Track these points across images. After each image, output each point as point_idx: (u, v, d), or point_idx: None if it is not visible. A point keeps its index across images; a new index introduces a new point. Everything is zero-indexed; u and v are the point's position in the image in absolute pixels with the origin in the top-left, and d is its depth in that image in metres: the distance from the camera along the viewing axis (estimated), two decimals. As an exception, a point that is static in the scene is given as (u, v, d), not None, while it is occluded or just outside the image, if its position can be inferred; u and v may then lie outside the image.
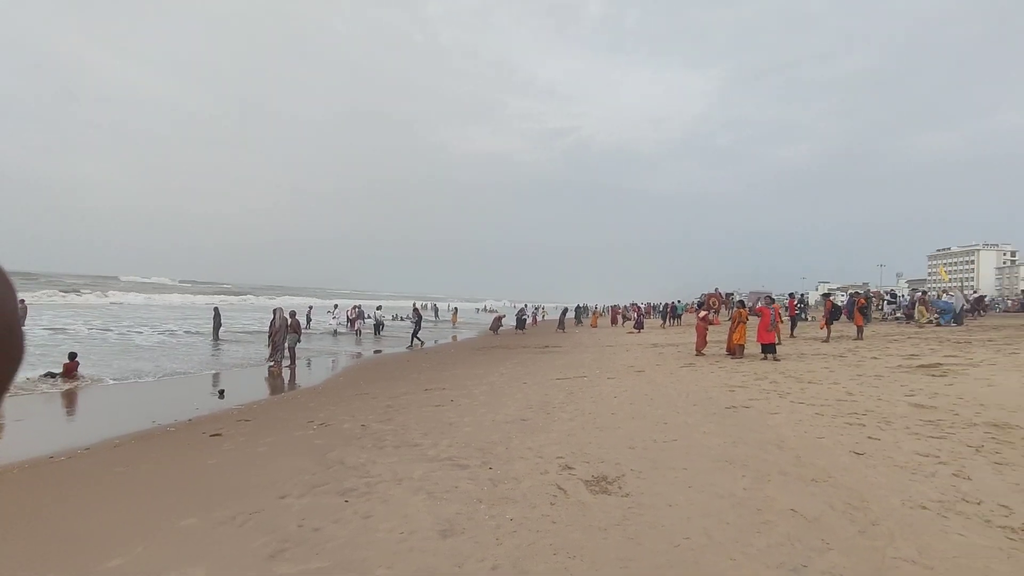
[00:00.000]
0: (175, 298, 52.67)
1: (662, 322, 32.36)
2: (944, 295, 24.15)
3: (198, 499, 4.40)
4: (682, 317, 34.67)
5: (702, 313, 15.02)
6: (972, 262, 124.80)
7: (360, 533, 3.62)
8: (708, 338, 15.24)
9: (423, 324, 25.94)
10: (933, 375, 9.26)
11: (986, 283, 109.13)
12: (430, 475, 4.83)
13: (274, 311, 14.50)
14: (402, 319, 39.84)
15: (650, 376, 10.92)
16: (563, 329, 30.22)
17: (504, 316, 33.73)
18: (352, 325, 26.55)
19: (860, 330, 18.39)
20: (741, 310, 13.78)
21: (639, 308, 29.93)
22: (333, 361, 16.17)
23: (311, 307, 30.49)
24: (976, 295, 30.36)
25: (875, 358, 12.10)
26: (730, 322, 14.46)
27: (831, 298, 19.03)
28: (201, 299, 51.10)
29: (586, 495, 4.19)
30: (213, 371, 13.38)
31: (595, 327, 34.13)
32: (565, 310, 33.47)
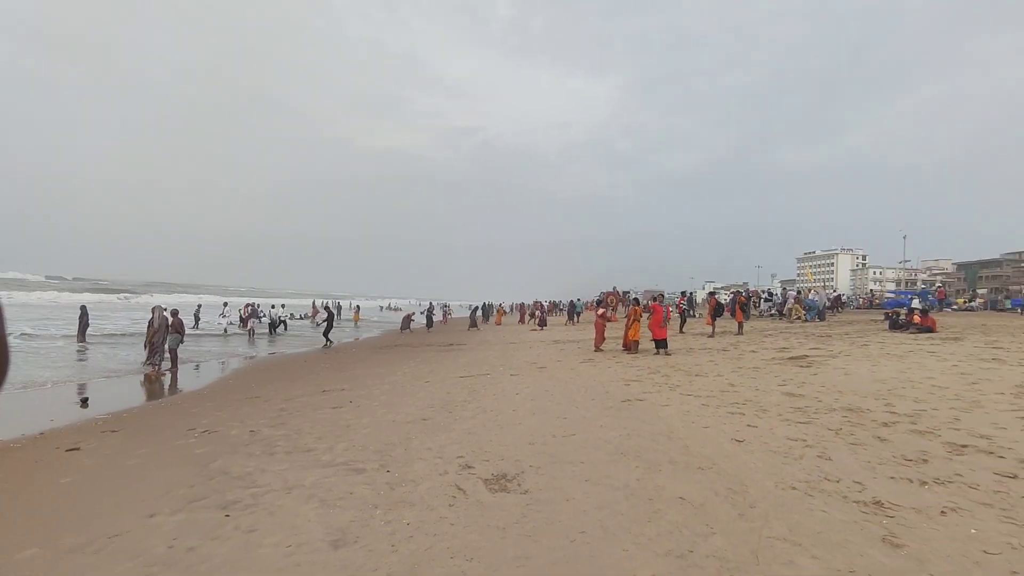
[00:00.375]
0: (36, 296, 46.58)
1: (568, 320, 33.27)
2: (811, 294, 26.94)
3: (44, 525, 3.86)
4: (581, 314, 35.95)
5: (600, 311, 15.61)
6: (832, 264, 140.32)
7: (241, 550, 3.34)
8: (606, 334, 15.87)
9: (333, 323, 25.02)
10: (801, 366, 10.23)
11: (843, 283, 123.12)
12: (323, 481, 4.58)
13: (153, 310, 13.16)
14: (301, 317, 37.99)
15: (551, 372, 11.15)
16: (477, 327, 30.32)
17: (414, 314, 33.22)
18: (245, 324, 24.83)
19: (740, 326, 19.99)
20: (636, 308, 14.47)
21: (542, 306, 30.58)
22: (223, 363, 15.00)
23: (200, 306, 28.17)
24: (835, 294, 34.10)
25: (753, 351, 13.18)
26: (626, 319, 15.12)
27: (715, 296, 20.47)
28: (68, 297, 45.56)
29: (485, 494, 4.16)
30: (77, 378, 11.91)
31: (499, 324, 34.47)
32: (476, 308, 33.49)
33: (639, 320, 14.34)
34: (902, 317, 17.94)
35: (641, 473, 4.48)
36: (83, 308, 19.70)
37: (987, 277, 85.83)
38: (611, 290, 37.17)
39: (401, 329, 29.45)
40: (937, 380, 8.00)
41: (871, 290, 70.66)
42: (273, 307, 28.77)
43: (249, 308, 26.01)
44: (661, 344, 13.64)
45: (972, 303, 34.86)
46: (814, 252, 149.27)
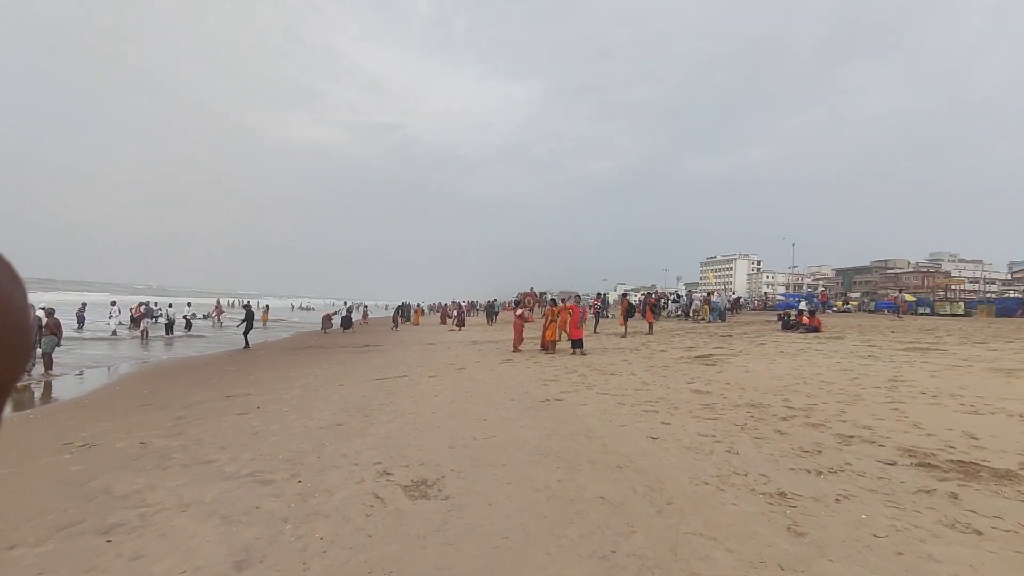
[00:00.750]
0: None
1: (486, 320, 33.24)
2: (713, 296, 28.80)
3: None
4: (498, 315, 36.20)
5: (519, 311, 15.73)
6: (731, 269, 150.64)
7: (126, 579, 2.98)
8: (524, 335, 16.02)
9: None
10: (707, 365, 10.83)
11: (740, 286, 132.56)
12: (226, 496, 4.22)
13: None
14: (203, 317, 35.37)
15: (470, 373, 11.07)
16: (396, 326, 29.86)
17: (333, 314, 32.08)
18: (137, 325, 22.65)
19: (651, 326, 20.93)
20: (553, 308, 14.71)
21: (460, 306, 30.42)
22: (110, 369, 13.59)
23: (84, 304, 25.33)
24: (734, 296, 36.64)
25: (663, 351, 13.81)
26: (544, 320, 15.34)
27: (627, 297, 21.30)
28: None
29: (404, 502, 4.01)
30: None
31: (417, 325, 33.91)
32: (400, 307, 32.74)
33: (556, 321, 14.58)
34: (792, 318, 19.50)
35: (562, 474, 4.50)
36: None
37: (859, 282, 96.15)
38: (528, 291, 37.68)
39: (322, 329, 28.37)
40: (825, 376, 8.74)
41: (765, 293, 76.28)
42: (171, 306, 26.51)
43: (142, 307, 23.79)
44: (577, 344, 13.95)
45: (848, 306, 38.73)
46: (715, 257, 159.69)
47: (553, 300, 15.48)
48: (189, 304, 29.44)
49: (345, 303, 39.14)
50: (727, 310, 26.92)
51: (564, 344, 14.79)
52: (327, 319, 29.72)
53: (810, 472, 4.25)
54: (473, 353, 15.39)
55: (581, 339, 14.02)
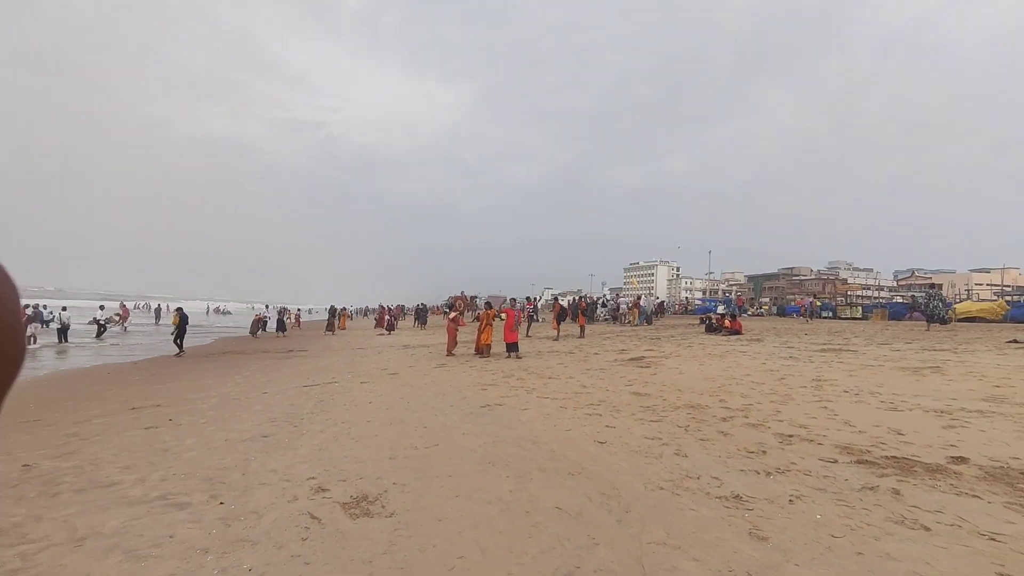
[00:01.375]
0: None
1: (415, 323, 32.45)
2: (639, 300, 29.70)
3: None
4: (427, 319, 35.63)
5: (452, 315, 15.39)
6: (653, 274, 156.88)
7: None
8: (458, 339, 15.71)
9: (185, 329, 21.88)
10: (641, 367, 10.99)
11: (661, 291, 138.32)
12: (131, 525, 3.67)
13: None
14: (101, 322, 32.28)
15: (404, 379, 10.64)
16: (332, 331, 28.74)
17: (267, 318, 30.69)
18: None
19: (583, 329, 21.20)
20: (489, 311, 14.51)
21: (389, 309, 29.58)
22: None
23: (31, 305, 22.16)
24: (658, 301, 38.01)
25: (596, 354, 13.94)
26: (478, 323, 15.11)
27: (559, 301, 21.47)
28: None
29: (345, 521, 3.65)
30: None
31: (344, 329, 32.65)
32: (333, 310, 31.41)
33: (491, 324, 14.39)
34: (715, 322, 20.37)
35: (513, 483, 4.28)
36: None
37: (768, 288, 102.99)
38: (460, 295, 37.30)
39: (251, 332, 27.03)
40: (754, 377, 9.06)
41: (685, 297, 79.79)
42: (64, 309, 23.79)
43: (28, 309, 21.21)
44: (512, 348, 13.82)
45: (761, 310, 41.22)
46: (638, 263, 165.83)
47: (488, 303, 15.25)
48: (102, 307, 26.74)
49: (267, 307, 36.97)
50: (653, 314, 27.77)
51: (498, 348, 14.63)
52: (258, 322, 28.39)
53: (759, 473, 4.27)
54: (405, 358, 14.89)
55: (516, 343, 13.90)
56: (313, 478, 4.56)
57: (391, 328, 27.07)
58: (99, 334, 23.73)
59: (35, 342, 18.74)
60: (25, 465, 5.21)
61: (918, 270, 73.03)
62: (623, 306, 28.51)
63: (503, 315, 14.64)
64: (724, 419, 6.15)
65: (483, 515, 3.68)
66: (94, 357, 16.81)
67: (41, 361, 15.41)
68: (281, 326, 28.54)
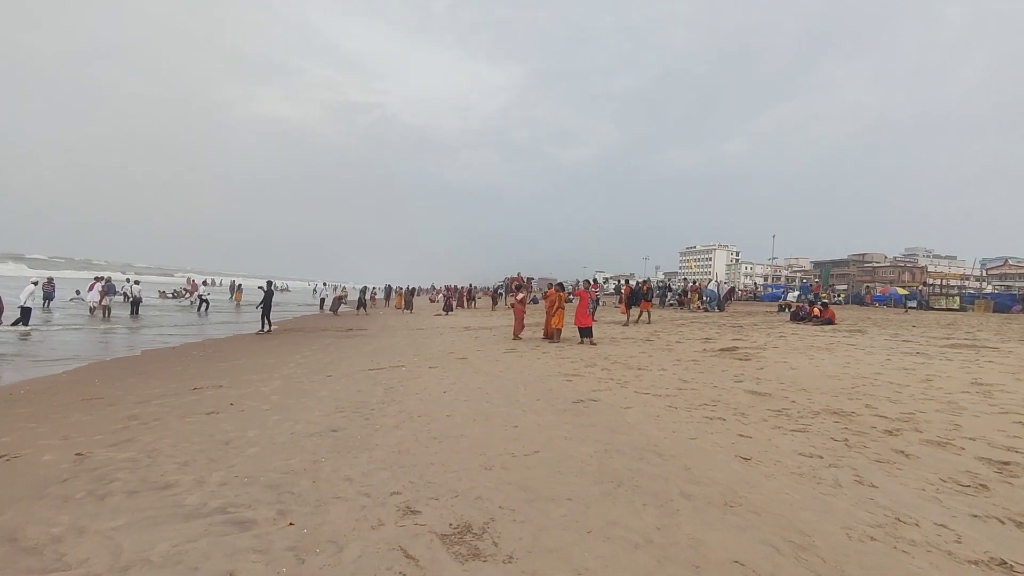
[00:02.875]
0: None
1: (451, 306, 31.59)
2: (709, 284, 27.84)
3: None
4: (477, 301, 35.16)
5: (519, 296, 14.44)
6: (710, 259, 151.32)
7: None
8: (525, 321, 14.79)
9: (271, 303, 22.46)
10: (738, 359, 9.74)
11: (720, 276, 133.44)
12: (185, 551, 2.92)
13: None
14: (172, 295, 33.35)
15: (476, 364, 9.81)
16: (410, 308, 29.05)
17: (346, 295, 31.04)
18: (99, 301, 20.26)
19: (648, 314, 19.91)
20: (560, 294, 13.49)
21: (450, 289, 28.95)
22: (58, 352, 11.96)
23: (51, 279, 22.62)
24: (729, 286, 35.86)
25: (679, 342, 12.72)
26: (547, 306, 14.13)
27: (629, 284, 20.19)
28: None
29: (450, 564, 2.76)
30: None
31: (400, 308, 32.39)
32: (389, 289, 31.38)
33: (563, 307, 13.38)
34: (806, 310, 18.62)
35: (656, 516, 3.30)
36: None
37: (837, 275, 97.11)
38: (516, 276, 36.37)
39: (331, 310, 27.39)
40: (887, 376, 7.71)
41: (755, 283, 75.99)
42: (137, 283, 24.11)
43: (101, 283, 21.41)
44: (586, 333, 12.79)
45: (839, 299, 38.31)
46: (695, 247, 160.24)
47: (560, 284, 14.23)
48: (207, 283, 28.21)
49: (325, 284, 36.88)
50: (725, 300, 25.97)
51: (567, 333, 13.65)
52: (339, 300, 28.66)
53: (1005, 523, 3.11)
54: (469, 340, 14.12)
55: (590, 327, 12.85)
56: (397, 493, 3.71)
57: (449, 309, 26.49)
58: (202, 308, 24.10)
59: (109, 315, 19.06)
60: (78, 454, 4.63)
61: (1012, 258, 66.73)
62: (712, 291, 26.67)
63: (573, 297, 13.59)
64: (889, 432, 4.94)
65: (635, 566, 2.71)
66: (161, 333, 16.89)
67: (113, 336, 15.52)
68: (362, 303, 28.57)
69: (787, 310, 23.64)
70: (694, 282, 37.60)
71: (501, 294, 33.50)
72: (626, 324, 18.37)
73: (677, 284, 32.20)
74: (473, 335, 15.58)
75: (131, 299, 21.75)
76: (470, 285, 37.91)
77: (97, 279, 21.21)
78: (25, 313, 14.25)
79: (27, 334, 13.50)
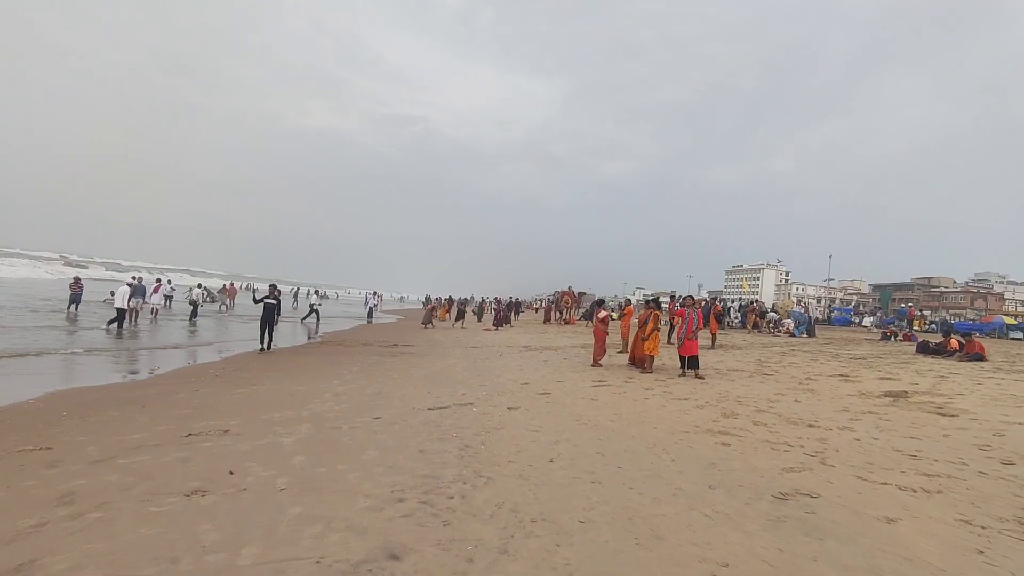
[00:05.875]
0: None
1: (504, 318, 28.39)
2: (795, 306, 24.54)
3: None
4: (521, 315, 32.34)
5: (602, 315, 11.86)
6: (758, 278, 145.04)
7: None
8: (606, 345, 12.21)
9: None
10: (931, 411, 7.00)
11: (767, 297, 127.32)
12: None
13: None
14: (206, 298, 31.98)
15: (567, 404, 7.34)
16: (498, 324, 25.71)
17: (434, 308, 27.34)
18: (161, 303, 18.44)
19: (714, 337, 17.17)
20: (655, 312, 10.90)
21: (500, 302, 26.48)
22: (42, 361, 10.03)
23: (76, 279, 20.87)
24: (805, 310, 32.43)
25: (809, 379, 9.96)
26: (639, 326, 11.57)
27: (718, 302, 17.41)
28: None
29: None
30: None
31: (444, 319, 30.16)
32: (463, 300, 28.05)
33: (659, 329, 10.77)
34: (939, 343, 15.43)
35: None
36: None
37: (899, 299, 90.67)
38: (567, 290, 33.72)
39: (424, 324, 24.11)
40: None
41: (830, 305, 70.91)
42: (200, 285, 22.71)
43: (123, 286, 19.67)
44: (691, 363, 10.17)
45: (930, 326, 34.20)
46: (742, 265, 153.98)
47: (656, 300, 11.64)
48: (200, 285, 25.85)
49: (375, 293, 34.62)
50: (814, 324, 22.66)
51: (665, 360, 11.05)
52: (431, 312, 25.24)
53: None
54: (537, 365, 11.64)
55: (697, 356, 10.23)
56: None
57: (500, 324, 24.06)
58: (310, 316, 22.59)
59: (135, 320, 17.27)
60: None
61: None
62: (772, 314, 23.58)
63: (666, 319, 10.98)
64: None
65: None
66: (196, 341, 15.01)
67: (134, 342, 13.65)
68: (461, 314, 25.85)
69: (893, 339, 20.38)
70: (751, 302, 34.32)
71: (563, 310, 30.78)
72: (712, 347, 15.66)
73: (732, 304, 28.91)
74: (538, 358, 13.09)
75: (192, 302, 20.22)
76: (512, 298, 35.43)
77: (159, 281, 20.50)
78: (121, 314, 15.31)
79: (120, 335, 14.12)
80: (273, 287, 13.44)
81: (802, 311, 22.43)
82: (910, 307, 34.37)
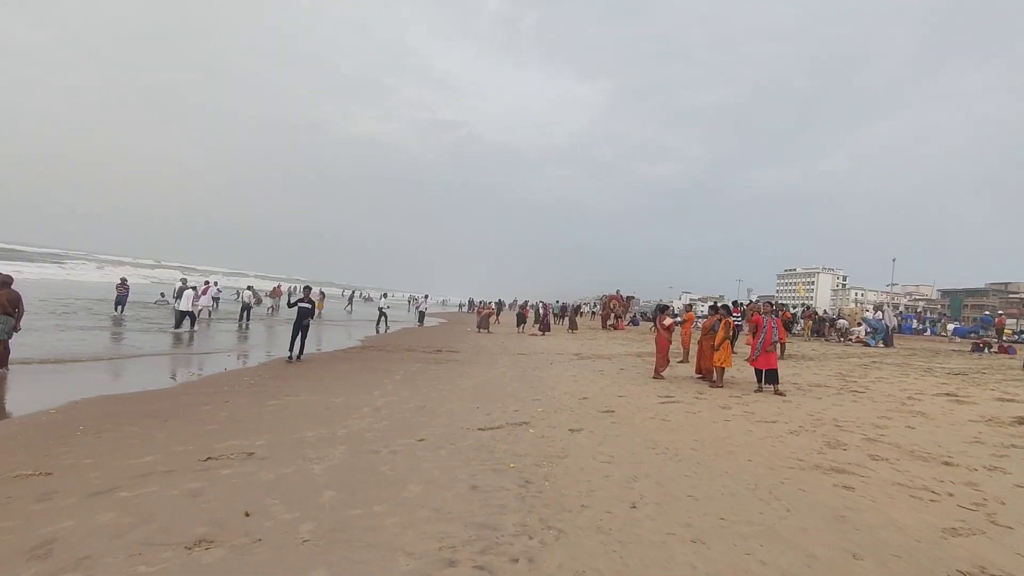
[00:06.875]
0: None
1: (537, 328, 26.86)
2: (870, 312, 22.56)
3: None
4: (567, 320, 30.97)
5: (667, 322, 10.76)
6: (813, 283, 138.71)
7: None
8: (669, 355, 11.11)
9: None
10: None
11: (823, 302, 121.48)
12: None
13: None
14: (252, 300, 32.30)
15: (636, 425, 6.39)
16: (542, 332, 23.98)
17: (492, 312, 26.07)
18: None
19: (783, 347, 15.66)
20: (727, 318, 9.76)
21: (547, 307, 25.52)
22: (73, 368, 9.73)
23: (123, 280, 20.90)
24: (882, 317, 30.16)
25: (911, 398, 8.65)
26: (703, 334, 10.46)
27: (787, 310, 15.99)
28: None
29: None
30: None
31: (499, 322, 29.28)
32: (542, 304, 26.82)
33: (731, 338, 9.64)
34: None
35: None
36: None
37: (971, 306, 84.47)
38: (614, 294, 32.46)
39: (479, 328, 23.56)
40: None
41: (901, 312, 66.99)
42: (249, 288, 22.94)
43: (172, 293, 19.74)
44: (771, 377, 9.01)
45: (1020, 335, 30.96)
46: (795, 270, 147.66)
47: (727, 307, 10.50)
48: (249, 288, 25.85)
49: (426, 296, 33.84)
50: (892, 332, 20.69)
51: (736, 374, 9.88)
52: (487, 316, 24.21)
53: None
54: (593, 376, 10.68)
55: (776, 370, 9.06)
56: None
57: (546, 329, 23.09)
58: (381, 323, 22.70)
59: (210, 316, 17.18)
60: None
61: None
62: (842, 321, 21.69)
63: (740, 325, 9.81)
64: None
65: None
66: (248, 344, 14.75)
67: (184, 344, 13.43)
68: (522, 320, 24.77)
69: (987, 350, 18.38)
70: (807, 307, 32.13)
71: (619, 315, 29.53)
72: (781, 358, 14.29)
73: (796, 311, 26.91)
74: (592, 367, 12.12)
75: (243, 305, 20.30)
76: (558, 302, 34.35)
77: (207, 283, 20.74)
78: (191, 317, 15.86)
79: (184, 335, 14.67)
80: (308, 289, 12.49)
81: (879, 318, 20.47)
82: (1000, 315, 31.18)
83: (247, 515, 3.41)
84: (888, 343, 19.58)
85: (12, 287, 8.36)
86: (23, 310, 8.48)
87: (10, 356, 8.24)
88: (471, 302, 52.56)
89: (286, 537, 3.13)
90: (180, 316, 15.70)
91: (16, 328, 8.32)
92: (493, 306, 29.11)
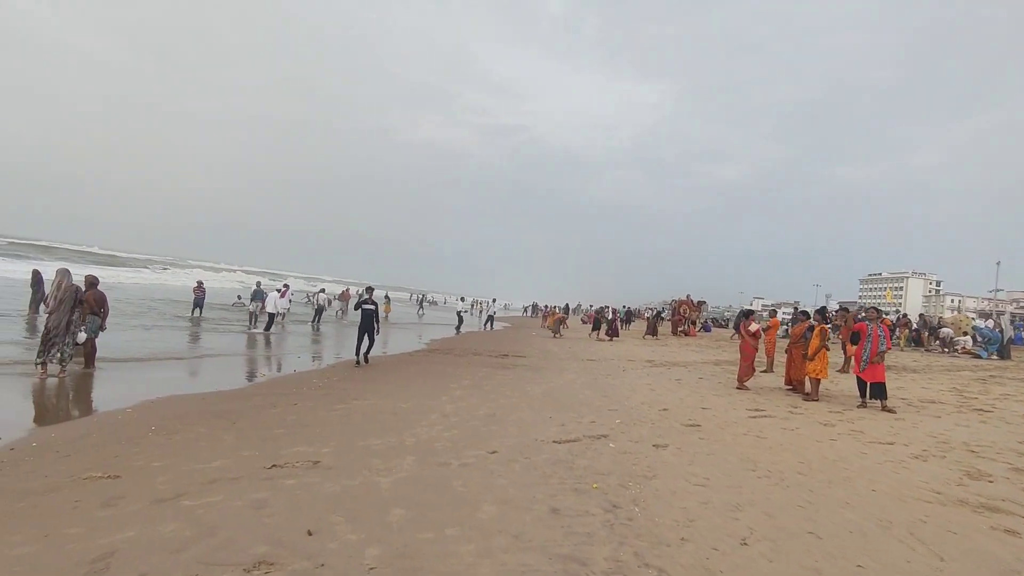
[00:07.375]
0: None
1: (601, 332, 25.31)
2: (983, 321, 20.28)
3: None
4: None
5: (754, 328, 9.91)
6: (901, 288, 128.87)
7: None
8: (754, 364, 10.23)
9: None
10: None
11: (913, 309, 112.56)
12: None
13: (56, 272, 8.35)
14: (316, 303, 33.29)
15: (723, 439, 5.75)
16: (656, 335, 24.23)
17: (564, 318, 25.70)
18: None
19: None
20: (822, 325, 8.83)
21: (615, 311, 24.71)
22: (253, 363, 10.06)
23: (200, 283, 21.86)
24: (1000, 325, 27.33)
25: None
26: (793, 342, 9.56)
27: (886, 316, 14.56)
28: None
29: None
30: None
31: (568, 327, 28.69)
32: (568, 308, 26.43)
33: (827, 347, 8.71)
34: None
35: None
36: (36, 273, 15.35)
37: (1092, 314, 75.50)
38: (685, 298, 31.13)
39: (553, 333, 23.52)
40: None
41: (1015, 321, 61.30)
42: (323, 291, 23.85)
43: (243, 298, 20.29)
44: (878, 391, 8.04)
45: None
46: (880, 274, 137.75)
47: (818, 311, 9.53)
48: (322, 290, 26.52)
49: (494, 301, 33.73)
50: (1009, 343, 18.45)
51: (835, 385, 8.91)
52: (560, 321, 23.96)
53: None
54: (670, 385, 9.99)
55: (884, 383, 8.08)
56: None
57: (615, 334, 22.31)
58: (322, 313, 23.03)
59: (255, 323, 17.76)
60: None
61: None
62: (946, 330, 19.61)
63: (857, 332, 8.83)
64: None
65: None
66: (314, 346, 15.06)
67: (254, 348, 13.82)
68: (597, 324, 23.34)
69: None
70: (901, 315, 29.57)
71: (694, 321, 28.45)
72: (842, 370, 12.95)
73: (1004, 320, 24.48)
74: (668, 375, 11.39)
75: (317, 307, 20.97)
76: (626, 307, 33.32)
77: (285, 286, 21.11)
78: (272, 318, 17.19)
79: (259, 336, 15.66)
80: (370, 290, 12.21)
81: (992, 327, 18.35)
82: None
83: (310, 534, 3.12)
84: (1004, 355, 17.50)
85: (98, 288, 8.74)
86: (108, 310, 8.84)
87: (96, 355, 8.59)
88: (535, 306, 52.14)
89: (350, 563, 2.81)
90: (270, 318, 17.13)
91: (102, 327, 8.68)
92: (559, 311, 28.57)
